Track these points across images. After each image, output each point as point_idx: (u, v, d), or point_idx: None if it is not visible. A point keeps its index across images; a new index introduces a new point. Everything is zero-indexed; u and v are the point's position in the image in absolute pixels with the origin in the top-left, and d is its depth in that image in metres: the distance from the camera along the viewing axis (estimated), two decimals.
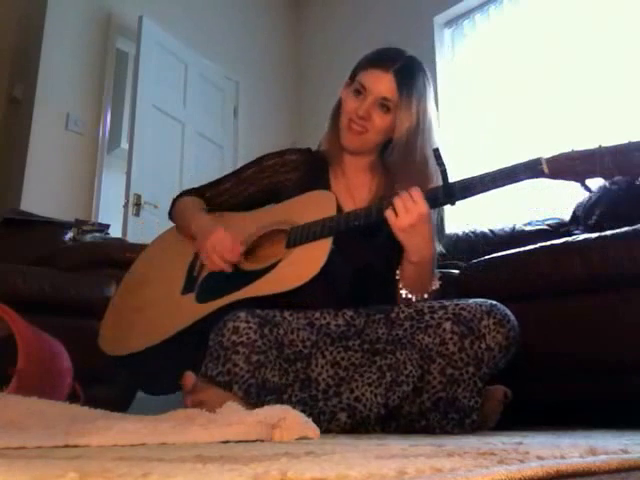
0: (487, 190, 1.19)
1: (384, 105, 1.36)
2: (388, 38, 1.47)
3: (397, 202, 1.21)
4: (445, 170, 1.20)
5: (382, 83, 1.37)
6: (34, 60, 3.40)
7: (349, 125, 1.39)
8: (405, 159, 1.36)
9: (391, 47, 1.44)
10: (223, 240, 1.34)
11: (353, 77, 1.44)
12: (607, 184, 1.12)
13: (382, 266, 1.33)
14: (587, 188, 1.13)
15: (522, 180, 1.16)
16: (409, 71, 1.39)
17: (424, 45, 3.59)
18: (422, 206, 1.19)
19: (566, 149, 1.14)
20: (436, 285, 1.31)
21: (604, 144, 1.10)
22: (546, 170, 1.12)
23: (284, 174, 1.49)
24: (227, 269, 1.34)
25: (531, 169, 1.14)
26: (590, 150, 1.11)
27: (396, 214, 1.20)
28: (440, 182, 1.22)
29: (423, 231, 1.21)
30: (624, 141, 1.09)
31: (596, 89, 3.01)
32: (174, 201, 1.59)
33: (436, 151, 1.23)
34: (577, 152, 1.12)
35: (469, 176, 1.21)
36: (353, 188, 1.46)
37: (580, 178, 1.12)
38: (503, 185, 1.17)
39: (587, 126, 2.99)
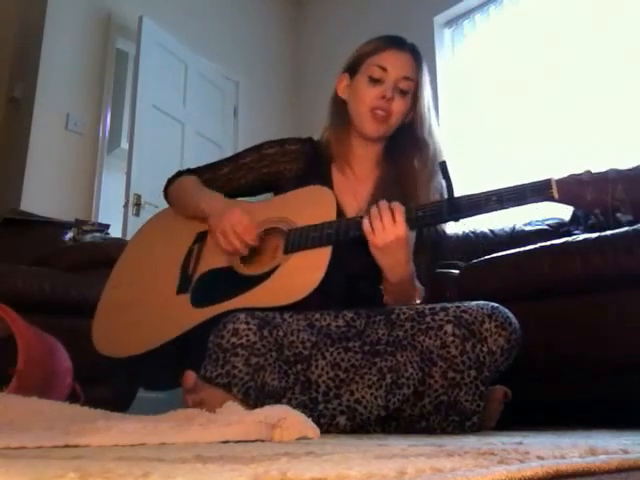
0: (493, 211, 1.16)
1: (400, 88, 1.37)
2: None
3: (375, 219, 1.18)
4: (451, 185, 1.17)
5: (403, 62, 1.37)
6: (34, 60, 3.40)
7: (373, 114, 1.37)
8: (422, 136, 1.37)
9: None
10: (241, 221, 1.31)
11: (356, 68, 1.42)
12: (619, 216, 1.09)
13: (379, 271, 1.32)
14: (594, 215, 1.11)
15: (530, 203, 1.13)
16: (418, 50, 1.42)
17: (424, 45, 3.54)
18: (400, 228, 1.16)
19: (577, 170, 1.11)
20: (419, 301, 1.30)
21: (615, 167, 1.08)
22: (556, 195, 1.10)
23: (284, 164, 1.46)
24: (244, 252, 1.32)
25: (540, 193, 1.12)
26: (602, 174, 1.09)
27: (373, 230, 1.18)
28: (445, 190, 1.20)
29: (398, 254, 1.19)
30: (635, 165, 1.07)
31: (596, 89, 3.01)
32: (170, 180, 1.55)
33: (442, 164, 1.20)
34: (589, 176, 1.09)
35: (473, 193, 1.18)
36: (356, 180, 1.44)
37: (589, 208, 1.09)
38: (510, 207, 1.15)
39: (587, 126, 2.99)
